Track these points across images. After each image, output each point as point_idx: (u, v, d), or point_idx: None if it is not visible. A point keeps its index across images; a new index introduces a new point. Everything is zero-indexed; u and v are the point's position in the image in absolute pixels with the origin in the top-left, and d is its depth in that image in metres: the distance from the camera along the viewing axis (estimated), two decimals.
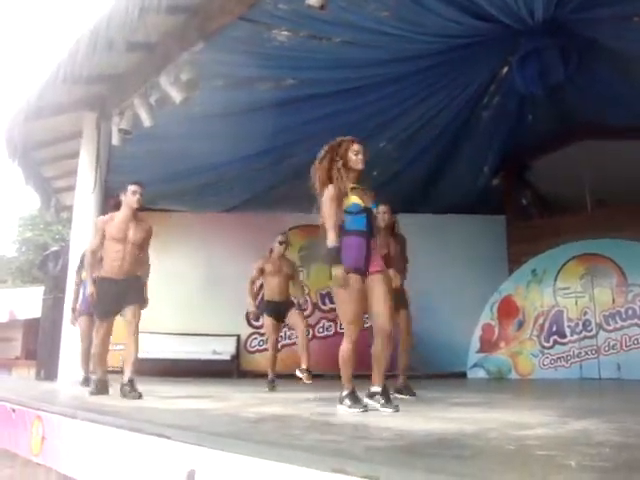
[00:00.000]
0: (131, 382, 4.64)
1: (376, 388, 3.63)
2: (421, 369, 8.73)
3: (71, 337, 6.82)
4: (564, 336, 8.96)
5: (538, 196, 10.57)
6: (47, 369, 8.49)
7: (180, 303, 9.26)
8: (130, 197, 4.91)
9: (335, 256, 3.54)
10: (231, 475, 2.14)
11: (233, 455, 2.18)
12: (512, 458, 1.92)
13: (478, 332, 9.32)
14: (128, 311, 4.83)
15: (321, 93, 7.38)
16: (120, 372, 5.08)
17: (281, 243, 6.43)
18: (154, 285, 9.09)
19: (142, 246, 4.99)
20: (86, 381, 6.14)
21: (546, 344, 9.03)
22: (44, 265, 10.21)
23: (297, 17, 5.79)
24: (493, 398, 5.11)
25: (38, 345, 9.70)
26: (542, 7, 6.35)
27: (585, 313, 8.91)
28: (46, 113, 6.90)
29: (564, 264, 9.07)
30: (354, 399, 3.52)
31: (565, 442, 2.29)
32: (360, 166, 3.78)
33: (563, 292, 9.09)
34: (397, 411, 3.46)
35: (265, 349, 9.84)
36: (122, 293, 4.82)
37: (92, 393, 4.90)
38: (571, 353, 8.87)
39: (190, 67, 5.89)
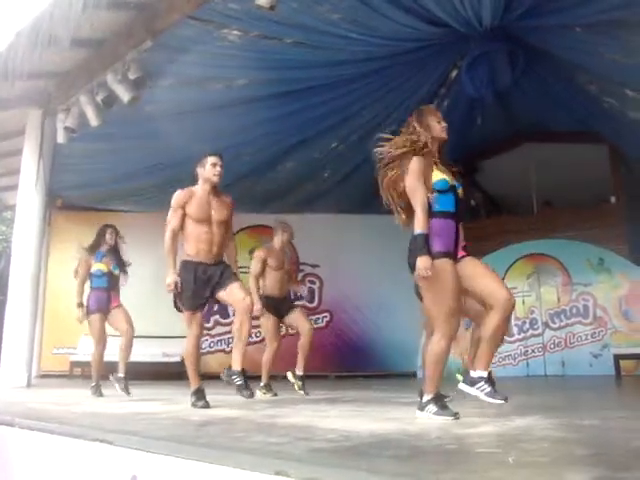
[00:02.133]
0: (242, 373, 4.05)
1: (481, 372, 3.26)
2: (372, 369, 8.81)
3: (13, 340, 6.62)
4: (512, 335, 9.15)
5: (487, 197, 10.78)
6: None
7: (129, 305, 9.08)
8: (210, 170, 4.27)
9: (423, 244, 3.03)
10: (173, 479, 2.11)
11: (176, 459, 2.15)
12: (452, 457, 1.94)
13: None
14: (231, 292, 4.14)
15: (273, 94, 7.36)
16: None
17: (285, 231, 5.95)
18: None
19: (227, 225, 4.38)
20: (98, 389, 5.60)
21: None
22: None
23: (248, 17, 5.76)
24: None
25: None
26: (490, 14, 6.48)
27: (532, 312, 9.15)
28: None
29: (512, 264, 9.28)
30: (442, 405, 3.07)
31: (507, 439, 2.33)
32: (445, 135, 3.34)
33: (512, 291, 9.29)
34: (506, 401, 3.14)
35: (219, 350, 9.80)
36: (213, 280, 4.18)
37: (202, 406, 3.98)
38: (518, 351, 9.08)
39: (138, 65, 5.80)
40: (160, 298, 9.07)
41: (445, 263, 3.08)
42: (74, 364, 8.91)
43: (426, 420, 3.00)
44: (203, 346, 9.81)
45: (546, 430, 2.55)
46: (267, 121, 7.88)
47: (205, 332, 9.83)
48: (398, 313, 9.38)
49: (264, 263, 5.80)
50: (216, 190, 4.35)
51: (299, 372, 5.64)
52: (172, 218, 4.27)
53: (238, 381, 3.97)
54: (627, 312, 8.60)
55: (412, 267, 3.07)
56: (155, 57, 6.09)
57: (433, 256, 3.04)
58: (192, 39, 6.08)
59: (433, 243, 3.08)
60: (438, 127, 3.32)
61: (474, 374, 3.30)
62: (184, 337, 9.85)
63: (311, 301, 9.67)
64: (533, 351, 9.04)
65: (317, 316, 9.47)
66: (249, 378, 4.23)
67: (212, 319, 9.89)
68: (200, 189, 4.31)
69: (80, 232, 9.64)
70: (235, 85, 7.14)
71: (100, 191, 9.33)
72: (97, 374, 5.67)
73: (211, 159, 4.29)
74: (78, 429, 2.71)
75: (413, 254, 3.05)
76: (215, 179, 4.28)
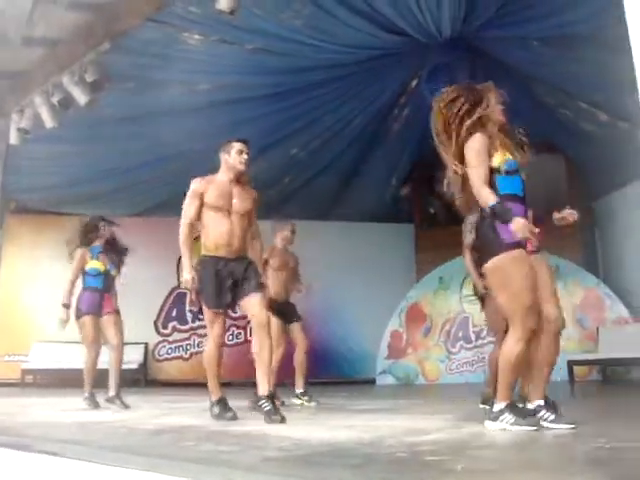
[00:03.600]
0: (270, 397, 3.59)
1: (538, 402, 2.92)
2: (330, 376, 8.81)
3: None
4: (470, 341, 9.27)
5: (446, 205, 10.88)
6: None
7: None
8: (235, 157, 3.94)
9: (503, 210, 2.74)
10: None
11: (125, 470, 2.11)
12: (402, 465, 1.95)
13: (386, 339, 9.48)
14: (249, 303, 3.79)
15: (234, 99, 7.33)
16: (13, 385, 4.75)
17: (285, 230, 5.67)
18: (56, 292, 8.69)
19: (250, 218, 4.02)
20: (93, 400, 5.14)
21: (452, 349, 9.31)
22: None
23: (209, 21, 5.72)
24: (398, 404, 5.20)
25: None
26: (449, 24, 6.59)
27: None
28: None
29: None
30: (520, 413, 2.79)
31: (458, 446, 2.35)
32: (503, 118, 3.01)
33: (469, 299, 9.39)
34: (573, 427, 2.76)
35: (175, 357, 9.67)
36: (235, 276, 3.82)
37: (230, 418, 3.64)
38: (476, 358, 9.19)
39: (96, 68, 5.68)
40: (119, 303, 9.00)
41: (519, 254, 2.78)
42: (25, 372, 8.68)
43: (387, 429, 3.00)
44: (161, 352, 9.69)
45: (497, 436, 2.58)
46: (228, 126, 7.82)
47: (163, 338, 9.72)
48: (357, 320, 9.42)
49: (265, 264, 5.26)
50: (241, 180, 4.02)
51: (300, 389, 5.40)
52: (188, 208, 3.93)
53: (266, 407, 3.51)
54: (581, 319, 8.78)
55: (482, 257, 2.85)
56: (114, 59, 5.98)
57: (502, 247, 2.76)
58: (152, 42, 6.01)
59: (501, 231, 2.77)
60: (498, 109, 3.01)
61: (531, 405, 2.94)
62: (142, 343, 9.76)
63: None
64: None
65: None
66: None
67: (170, 325, 9.76)
68: (221, 176, 3.99)
69: (34, 236, 9.47)
70: (197, 90, 7.09)
71: (56, 194, 9.13)
72: (89, 384, 5.19)
73: (237, 145, 3.98)
74: (23, 440, 2.64)
75: (485, 239, 2.84)
76: (241, 167, 3.96)
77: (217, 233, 3.86)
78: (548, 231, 9.87)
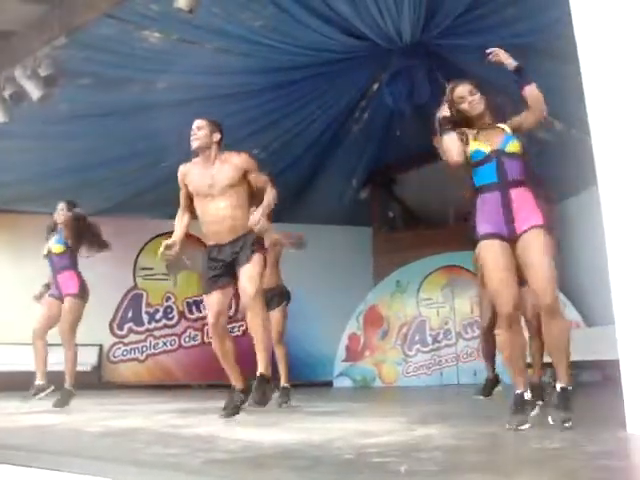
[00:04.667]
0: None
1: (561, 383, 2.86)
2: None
3: None
4: (426, 345, 9.37)
5: (405, 209, 10.99)
6: None
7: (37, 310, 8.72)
8: (192, 137, 3.81)
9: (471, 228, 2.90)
10: None
11: (67, 475, 2.06)
12: (346, 467, 1.95)
13: (344, 341, 9.52)
14: (241, 274, 3.60)
15: (193, 98, 7.25)
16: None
17: None
18: (8, 291, 8.49)
19: (239, 190, 3.74)
20: (41, 390, 5.07)
21: (409, 352, 9.39)
22: None
23: (168, 19, 5.66)
24: (352, 407, 5.22)
25: None
26: (409, 30, 6.66)
27: (446, 322, 9.38)
28: None
29: (427, 275, 9.49)
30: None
31: (405, 448, 2.36)
32: (475, 111, 3.05)
33: (426, 302, 9.51)
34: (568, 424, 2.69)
35: (131, 359, 9.51)
36: (228, 259, 3.68)
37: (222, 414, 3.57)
38: (432, 361, 9.29)
39: (50, 62, 5.58)
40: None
41: (486, 245, 2.84)
42: None
43: (338, 431, 3.00)
44: (116, 354, 9.52)
45: (444, 439, 2.60)
46: (186, 126, 7.74)
47: (118, 340, 9.55)
48: (314, 322, 9.41)
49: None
50: (219, 154, 3.80)
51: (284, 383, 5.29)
52: (181, 196, 3.90)
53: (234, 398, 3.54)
54: None
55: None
56: (70, 54, 5.88)
57: (478, 239, 2.87)
58: (110, 38, 5.92)
59: (478, 224, 2.89)
60: (464, 107, 3.06)
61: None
62: (96, 345, 9.58)
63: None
64: (447, 360, 9.26)
65: (233, 324, 9.41)
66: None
67: (125, 326, 9.60)
68: (198, 160, 3.85)
69: None
70: (154, 88, 6.99)
71: (7, 192, 8.90)
72: None
73: (194, 124, 3.87)
74: None
75: (471, 234, 2.92)
76: (193, 144, 3.79)
77: (205, 222, 3.76)
78: None
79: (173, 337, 9.36)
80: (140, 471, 1.85)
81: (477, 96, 3.07)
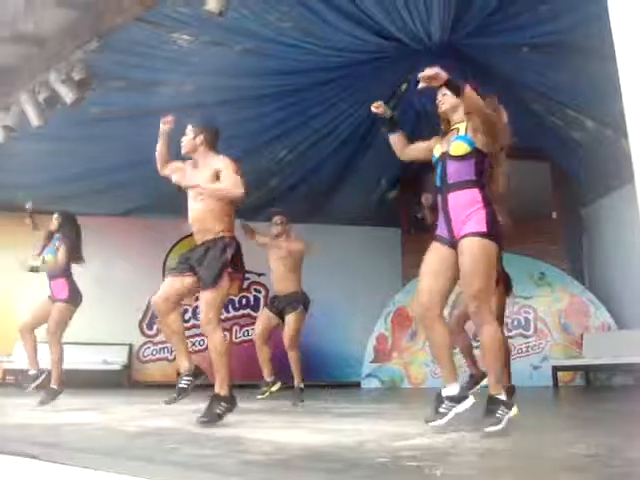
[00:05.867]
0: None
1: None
2: (314, 379, 8.79)
3: None
4: (454, 346, 9.27)
5: (433, 210, 10.91)
6: None
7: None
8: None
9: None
10: None
11: (104, 474, 2.08)
12: (381, 470, 1.94)
13: (372, 342, 9.49)
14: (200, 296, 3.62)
15: (221, 100, 7.30)
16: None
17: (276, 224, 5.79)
18: (40, 292, 8.58)
19: (208, 190, 3.67)
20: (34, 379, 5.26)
21: None
22: None
23: (197, 22, 5.69)
24: (382, 408, 5.20)
25: None
26: (439, 30, 6.60)
27: None
28: None
29: None
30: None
31: (438, 451, 2.34)
32: (439, 109, 3.16)
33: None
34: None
35: (160, 358, 9.61)
36: (192, 262, 3.65)
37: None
38: (462, 362, 9.19)
39: (83, 66, 5.65)
40: (102, 304, 8.95)
41: (431, 246, 2.99)
42: (7, 372, 8.60)
43: (369, 433, 2.98)
44: (145, 354, 9.63)
45: (476, 442, 2.58)
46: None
47: (148, 339, 9.64)
48: (342, 323, 9.42)
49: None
50: (208, 156, 3.83)
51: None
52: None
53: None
54: (566, 325, 8.83)
55: None
56: (102, 58, 5.96)
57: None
58: (141, 42, 5.98)
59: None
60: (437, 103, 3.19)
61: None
62: (126, 344, 9.70)
63: (256, 309, 9.62)
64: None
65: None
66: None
67: (155, 326, 9.70)
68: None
69: (17, 234, 9.36)
70: (182, 91, 7.04)
71: (42, 193, 9.05)
72: None
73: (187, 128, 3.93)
74: (2, 442, 2.60)
75: None
76: (182, 150, 3.90)
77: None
78: (535, 236, 9.92)
79: (202, 337, 9.39)
80: (178, 472, 1.86)
81: (446, 97, 3.09)
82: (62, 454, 2.31)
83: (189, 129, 3.95)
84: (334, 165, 9.46)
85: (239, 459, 2.14)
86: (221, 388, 3.44)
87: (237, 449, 2.42)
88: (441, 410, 2.91)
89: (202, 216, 3.69)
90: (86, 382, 8.30)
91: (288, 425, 3.44)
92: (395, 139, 3.28)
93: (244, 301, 10.00)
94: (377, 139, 9.07)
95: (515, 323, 9.08)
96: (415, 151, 3.30)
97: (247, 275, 9.24)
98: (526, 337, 9.03)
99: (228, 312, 9.65)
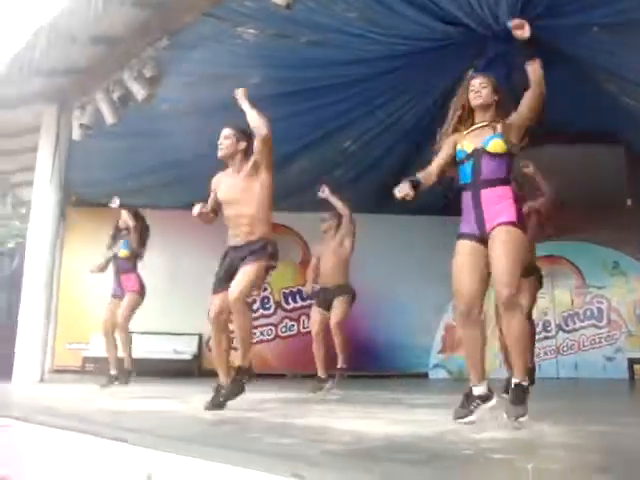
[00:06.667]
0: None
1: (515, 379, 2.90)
2: (380, 369, 8.80)
3: (27, 336, 6.66)
4: None
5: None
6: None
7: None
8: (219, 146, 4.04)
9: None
10: (188, 479, 2.11)
11: (190, 459, 2.15)
12: (469, 463, 1.93)
13: (440, 332, 9.40)
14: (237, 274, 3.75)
15: (285, 92, 7.34)
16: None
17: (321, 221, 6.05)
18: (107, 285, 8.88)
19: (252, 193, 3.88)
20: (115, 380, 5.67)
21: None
22: None
23: (263, 15, 5.74)
24: (453, 399, 5.13)
25: None
26: (507, 13, 6.42)
27: (545, 314, 9.08)
28: (2, 105, 6.73)
29: None
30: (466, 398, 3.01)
31: (520, 445, 2.31)
32: (474, 102, 3.24)
33: None
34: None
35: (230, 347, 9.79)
36: (235, 263, 3.90)
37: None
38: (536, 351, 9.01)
39: (154, 63, 5.80)
40: (173, 294, 9.20)
41: (458, 245, 3.00)
42: (86, 360, 8.95)
43: (445, 424, 2.95)
44: None
45: (558, 436, 2.53)
46: (279, 120, 7.77)
47: None
48: (410, 313, 9.35)
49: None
50: (245, 162, 3.95)
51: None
52: (209, 200, 4.17)
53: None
54: None
55: None
56: (170, 55, 6.09)
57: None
58: (207, 37, 6.07)
59: (460, 222, 3.05)
60: (471, 96, 3.30)
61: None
62: (196, 334, 9.93)
63: None
64: (546, 353, 8.98)
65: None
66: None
67: None
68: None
69: (93, 228, 9.71)
70: (248, 84, 7.10)
71: (112, 188, 9.35)
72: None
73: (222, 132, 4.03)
74: (94, 426, 2.72)
75: None
76: (219, 154, 4.02)
77: (228, 226, 4.03)
78: (608, 224, 9.61)
79: (270, 327, 9.54)
80: (266, 461, 1.90)
81: (484, 90, 3.22)
82: (150, 440, 2.39)
83: (230, 133, 4.07)
84: (399, 155, 9.37)
85: (320, 449, 2.16)
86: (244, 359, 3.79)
87: (318, 439, 2.44)
88: (471, 408, 2.95)
89: (249, 222, 3.90)
90: (157, 371, 8.55)
91: (363, 415, 3.46)
92: (423, 185, 3.20)
93: None
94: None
95: (588, 313, 8.84)
96: (439, 168, 3.23)
97: None
98: (599, 328, 8.77)
99: (296, 302, 9.70)
